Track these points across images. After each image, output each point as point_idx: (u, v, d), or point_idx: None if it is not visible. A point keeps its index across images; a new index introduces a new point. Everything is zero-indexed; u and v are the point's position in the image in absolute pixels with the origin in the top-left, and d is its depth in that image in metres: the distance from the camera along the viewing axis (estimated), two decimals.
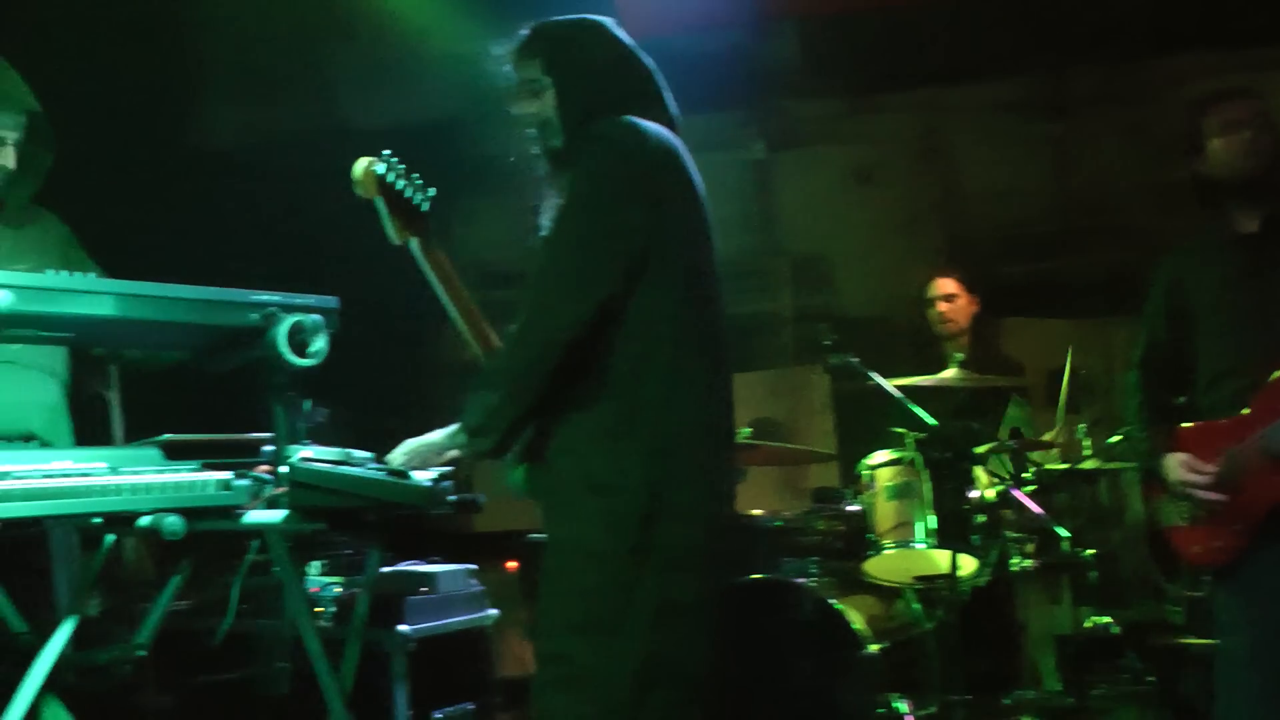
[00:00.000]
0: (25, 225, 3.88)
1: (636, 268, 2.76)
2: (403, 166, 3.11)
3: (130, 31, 5.98)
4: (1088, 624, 4.88)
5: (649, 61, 3.05)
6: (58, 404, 3.85)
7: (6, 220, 3.82)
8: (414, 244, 3.14)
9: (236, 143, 7.24)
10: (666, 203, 2.83)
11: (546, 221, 2.91)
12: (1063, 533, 4.89)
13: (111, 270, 3.89)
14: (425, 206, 3.15)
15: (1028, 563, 4.81)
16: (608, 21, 3.06)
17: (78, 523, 3.03)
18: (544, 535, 2.87)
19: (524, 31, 3.05)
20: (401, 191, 3.10)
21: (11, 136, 3.75)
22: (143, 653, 3.13)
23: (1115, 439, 4.96)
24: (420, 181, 3.15)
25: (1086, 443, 5.13)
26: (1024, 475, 5.00)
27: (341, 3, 6.82)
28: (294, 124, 7.27)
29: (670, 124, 3.00)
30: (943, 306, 5.86)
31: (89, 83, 5.65)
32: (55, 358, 3.85)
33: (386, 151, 3.08)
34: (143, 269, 3.01)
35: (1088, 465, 5.07)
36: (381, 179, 3.07)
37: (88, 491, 2.61)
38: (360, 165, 3.08)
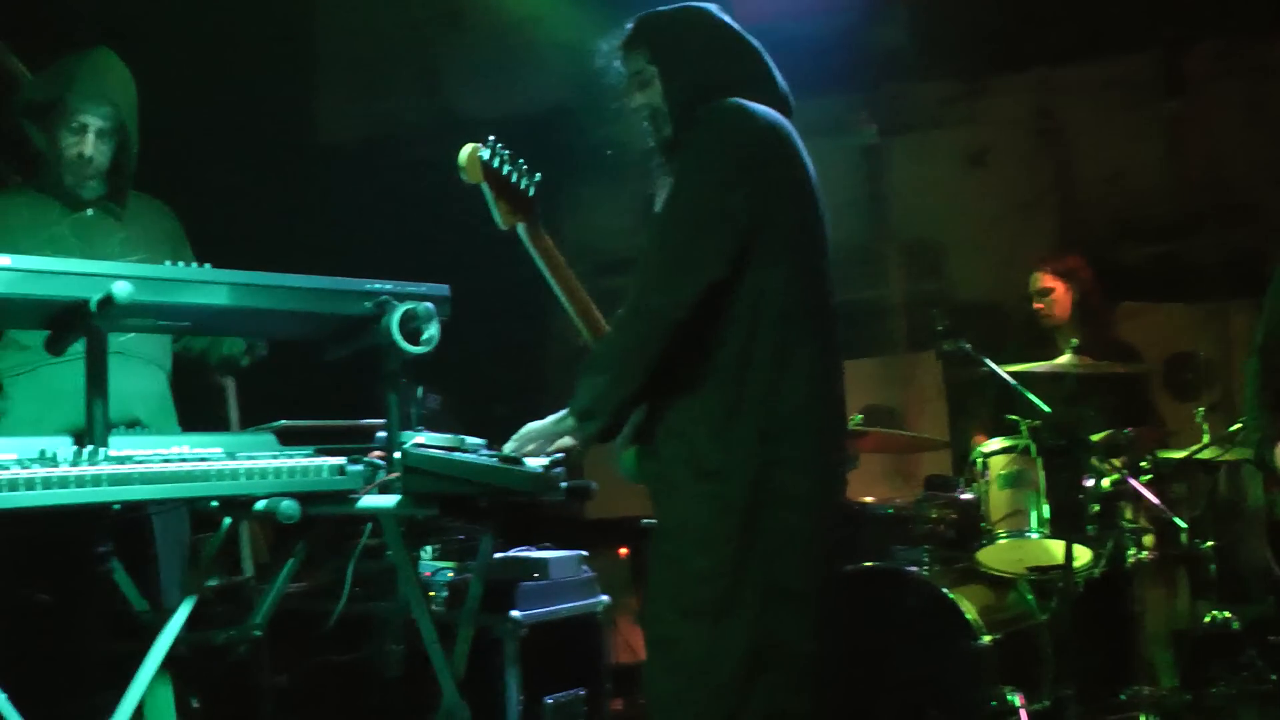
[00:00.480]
0: (136, 218, 3.92)
1: (744, 250, 2.76)
2: (507, 151, 3.13)
3: (246, 25, 6.08)
4: (1206, 619, 4.77)
5: (755, 42, 3.03)
6: (164, 394, 3.90)
7: (115, 214, 3.88)
8: (521, 228, 3.16)
9: (349, 133, 7.34)
10: (774, 185, 2.82)
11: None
12: (1180, 524, 4.78)
13: (227, 259, 3.95)
14: (532, 191, 3.16)
15: (1144, 554, 4.70)
16: (710, 6, 3.05)
17: (195, 506, 3.08)
18: (654, 519, 2.88)
19: (628, 25, 3.05)
20: (508, 176, 3.12)
21: (95, 124, 3.76)
22: (258, 633, 3.18)
23: (1235, 427, 4.84)
24: (526, 166, 3.16)
25: (1204, 429, 5.01)
26: (1140, 464, 4.89)
27: None
28: (405, 114, 7.35)
29: (781, 103, 2.98)
30: (1038, 303, 5.77)
31: (205, 74, 5.77)
32: (161, 349, 3.91)
33: (492, 137, 3.09)
34: (258, 258, 3.06)
35: (1206, 454, 4.95)
36: (487, 164, 3.09)
37: (205, 475, 2.64)
38: (465, 151, 3.10)
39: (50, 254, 3.61)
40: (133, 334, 3.65)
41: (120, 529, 3.13)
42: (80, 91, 3.75)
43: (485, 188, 3.12)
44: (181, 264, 2.85)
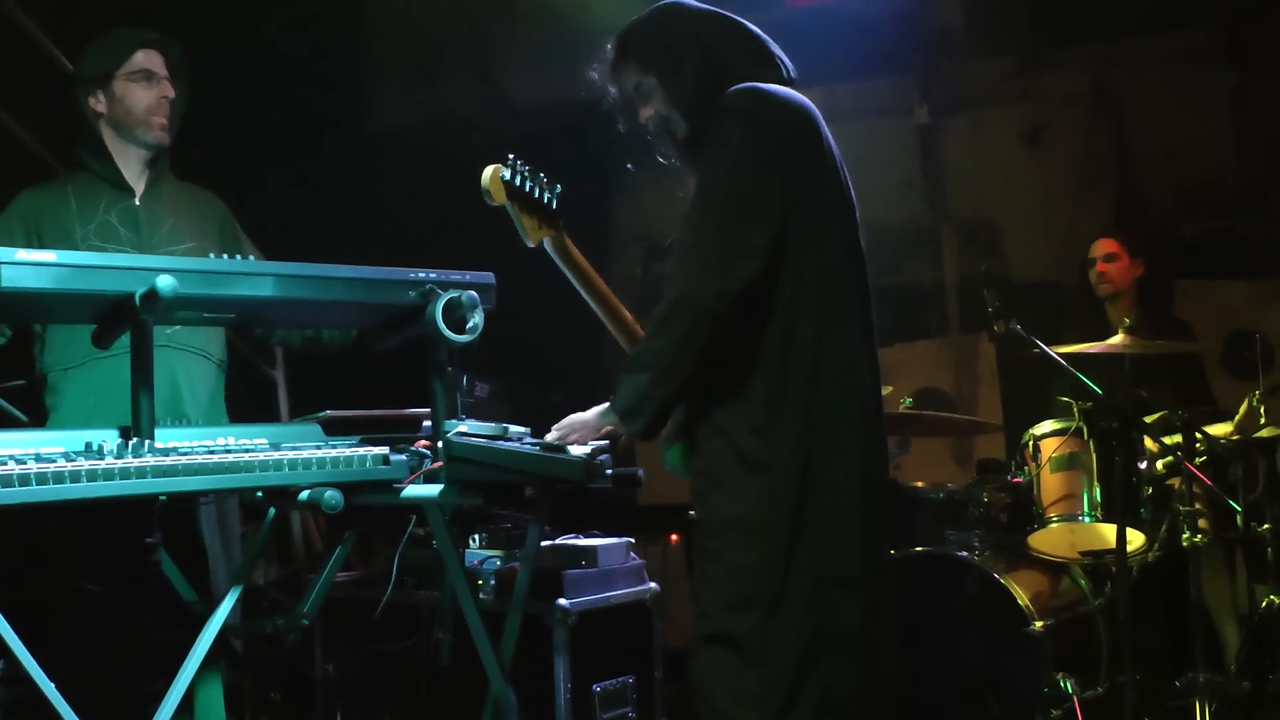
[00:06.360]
0: (184, 207, 3.94)
1: (779, 239, 2.74)
2: (528, 168, 3.09)
3: (297, 14, 6.12)
4: (1264, 604, 4.69)
5: (746, 22, 3.00)
6: (215, 387, 3.92)
7: (162, 202, 3.90)
8: (547, 242, 3.14)
9: (400, 121, 7.36)
10: (805, 167, 2.81)
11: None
12: (1236, 506, 4.71)
13: (279, 249, 3.98)
14: (555, 204, 3.14)
15: (1199, 538, 4.64)
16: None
17: (242, 496, 3.12)
18: (697, 515, 2.88)
19: (610, 45, 3.04)
20: (530, 193, 3.09)
21: (162, 71, 3.88)
22: (306, 622, 3.21)
23: None
24: (547, 179, 3.14)
25: (1261, 410, 4.92)
26: (1195, 446, 4.82)
27: None
28: (456, 101, 7.37)
29: (788, 79, 2.96)
30: (1102, 267, 5.71)
31: (256, 64, 5.81)
32: (212, 340, 3.92)
33: (512, 155, 3.08)
34: (311, 248, 3.08)
35: (1264, 434, 4.86)
36: (509, 183, 3.06)
37: (249, 466, 2.67)
38: (487, 173, 3.07)
39: (101, 242, 3.69)
40: (179, 326, 3.69)
41: (171, 520, 3.16)
42: (144, 39, 3.85)
43: (510, 207, 3.10)
44: (225, 256, 2.86)
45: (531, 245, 3.14)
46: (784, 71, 2.97)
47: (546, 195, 3.13)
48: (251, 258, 3.03)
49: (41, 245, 3.62)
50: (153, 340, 2.79)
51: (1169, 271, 6.34)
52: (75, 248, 3.63)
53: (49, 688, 2.54)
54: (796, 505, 2.72)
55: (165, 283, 2.63)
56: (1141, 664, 4.56)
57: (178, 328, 3.69)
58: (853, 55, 6.49)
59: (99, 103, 3.84)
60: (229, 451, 2.69)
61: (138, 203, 3.85)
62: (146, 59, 3.86)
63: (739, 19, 3.00)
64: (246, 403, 4.09)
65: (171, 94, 3.88)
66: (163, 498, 2.61)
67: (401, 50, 7.35)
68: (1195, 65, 6.93)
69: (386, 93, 7.45)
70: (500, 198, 3.08)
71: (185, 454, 2.61)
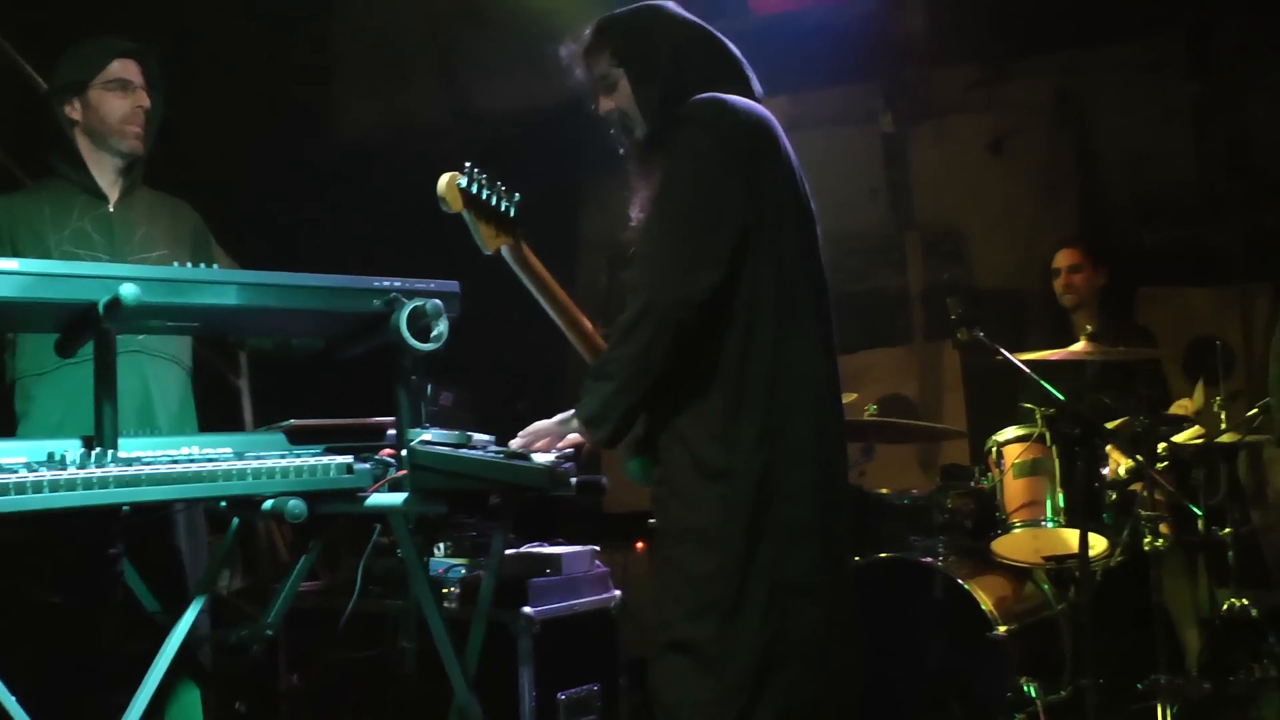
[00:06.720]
0: (157, 215, 3.94)
1: (740, 246, 2.76)
2: (484, 175, 3.08)
3: (262, 22, 6.10)
4: (1225, 606, 4.73)
5: (723, 38, 3.02)
6: (184, 393, 3.92)
7: (136, 209, 3.90)
8: (505, 251, 3.13)
9: (366, 129, 7.35)
10: (765, 178, 2.83)
11: (638, 212, 2.92)
12: (1196, 510, 4.75)
13: (247, 257, 3.97)
14: (513, 212, 3.14)
15: (1160, 542, 4.68)
16: (669, 4, 3.04)
17: (206, 506, 3.10)
18: (657, 523, 2.88)
19: (588, 30, 3.05)
20: (488, 200, 3.08)
21: (138, 80, 3.87)
22: (271, 632, 3.20)
23: (1253, 412, 4.80)
24: (504, 187, 3.14)
25: (1221, 416, 4.97)
26: (1157, 451, 4.87)
27: None
28: (422, 109, 7.36)
29: (754, 95, 2.97)
30: (1066, 278, 5.78)
31: (221, 71, 5.79)
32: (181, 347, 3.93)
33: (469, 163, 3.07)
34: (278, 256, 3.07)
35: (1225, 440, 4.91)
36: (466, 190, 3.04)
37: (212, 476, 2.65)
38: (443, 181, 3.04)
39: (74, 248, 3.69)
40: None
41: (141, 531, 3.14)
42: (121, 49, 3.85)
43: (467, 215, 3.08)
44: (189, 265, 2.86)
45: (488, 253, 3.13)
46: (752, 93, 2.99)
47: (504, 203, 3.11)
48: (216, 266, 3.02)
49: (15, 251, 3.65)
50: (115, 349, 2.78)
51: (1131, 279, 6.39)
52: (49, 254, 3.65)
53: (9, 701, 2.53)
54: (754, 513, 2.73)
55: (129, 291, 2.61)
56: (1104, 667, 4.60)
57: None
58: (817, 63, 6.52)
59: (74, 110, 3.85)
60: (193, 461, 2.67)
61: (111, 210, 3.86)
62: (123, 68, 3.87)
63: (720, 36, 3.02)
64: (211, 411, 4.07)
65: (147, 104, 3.90)
66: (125, 508, 2.59)
67: (368, 58, 7.34)
68: (1156, 75, 6.97)
69: (353, 100, 7.44)
70: (456, 205, 3.06)
71: (149, 464, 2.60)
